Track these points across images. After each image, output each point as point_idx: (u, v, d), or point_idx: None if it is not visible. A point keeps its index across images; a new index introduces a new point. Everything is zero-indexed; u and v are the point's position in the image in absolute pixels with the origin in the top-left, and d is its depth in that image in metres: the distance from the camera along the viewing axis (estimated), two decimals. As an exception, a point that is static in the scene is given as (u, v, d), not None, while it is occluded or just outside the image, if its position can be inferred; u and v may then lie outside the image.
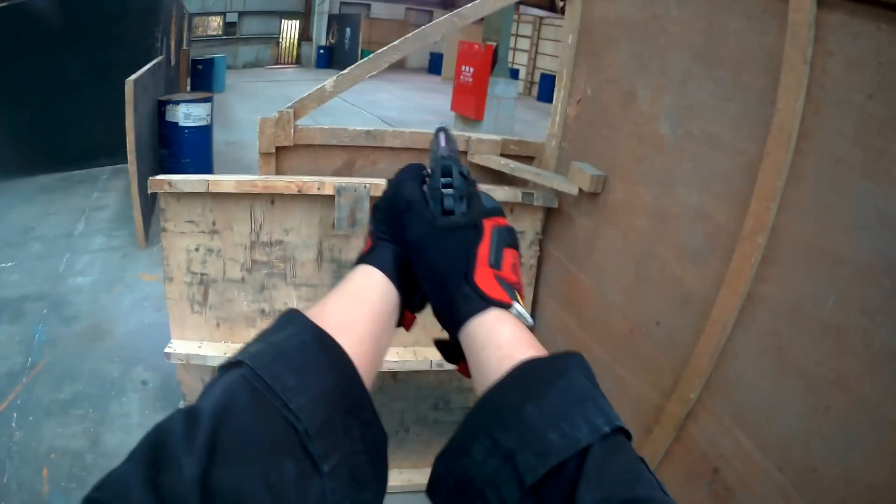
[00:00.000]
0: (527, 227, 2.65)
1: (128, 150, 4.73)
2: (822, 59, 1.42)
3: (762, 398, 1.59)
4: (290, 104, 2.54)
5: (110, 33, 7.78)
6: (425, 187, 0.74)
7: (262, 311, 2.60)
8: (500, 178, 2.77)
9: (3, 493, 2.86)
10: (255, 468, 0.43)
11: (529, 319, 0.65)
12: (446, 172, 0.73)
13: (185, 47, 14.18)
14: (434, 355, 2.56)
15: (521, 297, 0.68)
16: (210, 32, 24.88)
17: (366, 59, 2.43)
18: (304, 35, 27.14)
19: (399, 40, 2.47)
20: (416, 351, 2.65)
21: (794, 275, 1.51)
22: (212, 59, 16.19)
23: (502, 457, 0.47)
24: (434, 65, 26.92)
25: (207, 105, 7.28)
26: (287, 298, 2.59)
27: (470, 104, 12.71)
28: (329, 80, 2.52)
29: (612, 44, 2.25)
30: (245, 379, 0.48)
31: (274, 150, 2.57)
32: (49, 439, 3.16)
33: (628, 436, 0.50)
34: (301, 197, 2.40)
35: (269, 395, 0.47)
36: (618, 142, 2.20)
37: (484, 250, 0.67)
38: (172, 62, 10.61)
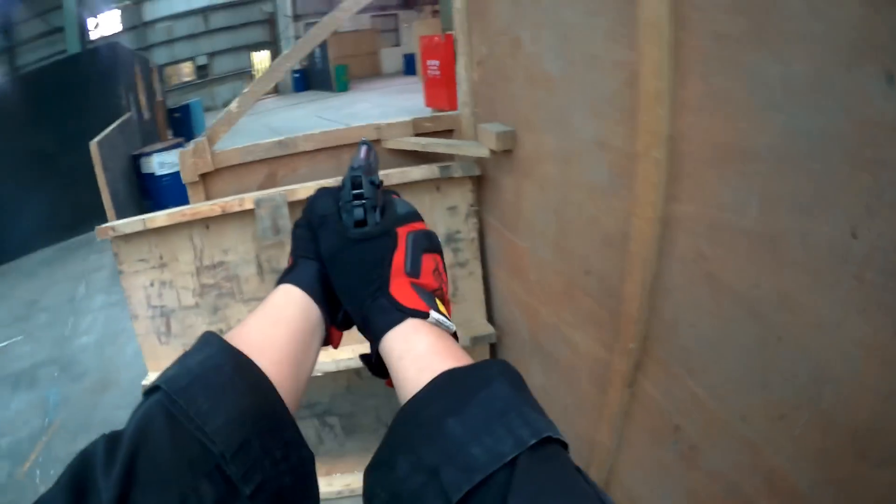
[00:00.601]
0: (458, 200, 2.49)
1: (105, 207, 4.80)
2: None
3: (706, 338, 1.30)
4: (202, 134, 2.48)
5: (74, 102, 7.78)
6: (339, 202, 0.70)
7: (220, 331, 2.56)
8: (419, 158, 2.58)
9: (29, 545, 2.94)
10: (171, 492, 0.42)
11: (450, 325, 0.62)
12: (356, 184, 0.69)
13: (159, 98, 14.21)
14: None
15: (446, 301, 0.67)
16: (184, 79, 24.98)
17: (263, 73, 2.42)
18: None
19: (289, 49, 2.44)
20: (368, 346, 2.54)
21: (704, 185, 1.23)
22: (187, 105, 15.93)
23: (427, 472, 0.44)
24: (408, 65, 25.84)
25: (179, 150, 7.32)
26: (240, 315, 2.46)
27: (442, 96, 12.30)
28: (234, 101, 2.44)
29: None
30: (161, 404, 0.47)
31: (198, 178, 2.50)
32: None
33: (564, 444, 0.47)
34: (230, 216, 2.30)
35: (183, 419, 0.45)
36: (515, 92, 1.97)
37: (399, 259, 0.65)
38: (146, 116, 10.72)
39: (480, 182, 2.47)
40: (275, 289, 0.69)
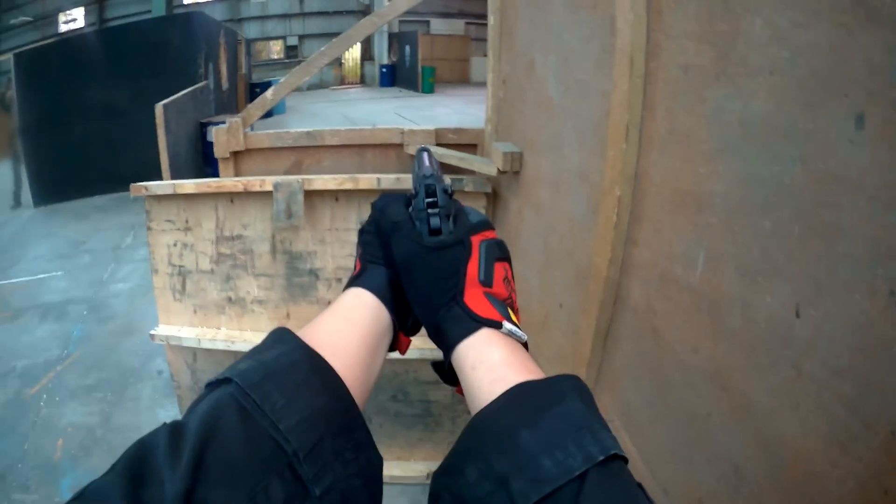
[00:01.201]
0: None
1: (162, 167, 5.05)
2: None
3: (644, 396, 1.25)
4: (238, 115, 2.60)
5: (153, 63, 8.09)
6: (410, 209, 0.69)
7: (229, 299, 2.59)
8: (441, 166, 2.71)
9: (21, 457, 3.08)
10: (241, 488, 0.41)
11: (522, 335, 0.61)
12: (430, 192, 0.68)
13: (242, 72, 14.67)
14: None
15: (515, 310, 0.66)
16: (272, 57, 25.66)
17: (299, 66, 2.50)
18: (367, 55, 26.70)
19: (325, 47, 2.54)
20: None
21: (660, 231, 1.17)
22: (269, 83, 15.82)
23: (496, 480, 0.45)
24: None
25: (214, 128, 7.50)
26: (249, 287, 2.56)
27: None
28: (269, 89, 2.53)
29: (519, 16, 2.02)
30: (233, 397, 0.45)
31: (230, 155, 2.62)
32: (69, 416, 3.38)
33: (625, 460, 0.47)
34: (254, 195, 2.40)
35: (257, 414, 0.44)
36: (526, 113, 1.95)
37: (473, 268, 0.63)
38: (225, 87, 11.08)
39: (496, 200, 2.46)
40: (344, 291, 0.68)
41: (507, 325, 0.60)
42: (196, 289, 2.62)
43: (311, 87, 25.51)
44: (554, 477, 0.43)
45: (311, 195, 2.34)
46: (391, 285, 0.68)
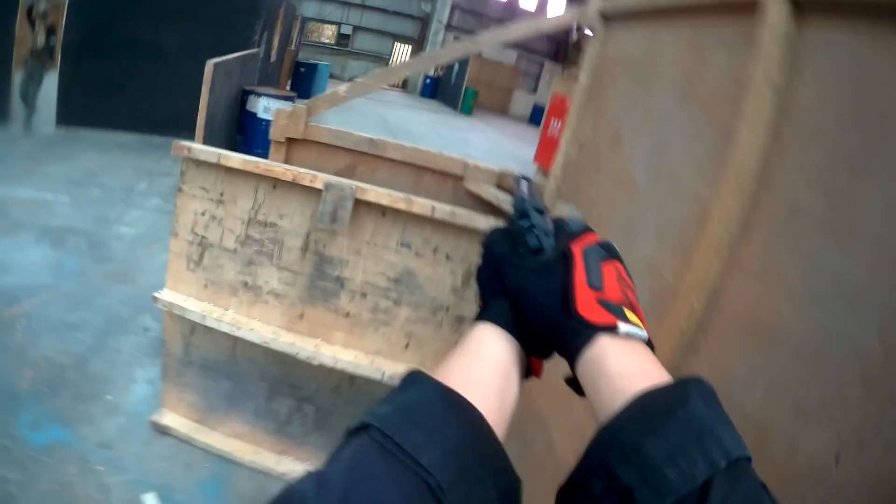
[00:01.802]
0: None
1: (197, 125, 4.96)
2: (794, 88, 1.12)
3: None
4: (306, 101, 2.59)
5: (210, 17, 8.11)
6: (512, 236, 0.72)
7: (245, 284, 2.56)
8: (491, 209, 2.59)
9: (-15, 381, 2.97)
10: None
11: (642, 334, 0.62)
12: (523, 214, 0.70)
13: (291, 48, 14.52)
14: (388, 367, 2.47)
15: (635, 307, 0.66)
16: (324, 40, 25.70)
17: (378, 72, 2.48)
18: None
19: (413, 58, 2.50)
20: (374, 360, 2.53)
21: (726, 348, 1.20)
22: (315, 65, 16.10)
23: (621, 493, 0.46)
24: (535, 115, 25.63)
25: (288, 103, 7.23)
26: (269, 277, 2.53)
27: (553, 157, 12.30)
28: (343, 85, 2.51)
29: (615, 84, 2.03)
30: (375, 441, 0.48)
31: (284, 140, 2.60)
32: (44, 349, 3.27)
33: (749, 459, 0.49)
34: (299, 187, 2.37)
35: (399, 453, 0.46)
36: (601, 185, 1.96)
37: (580, 275, 0.64)
38: (273, 59, 11.04)
39: None
40: (471, 329, 0.71)
41: (622, 326, 0.60)
42: (214, 264, 2.58)
43: (352, 77, 25.61)
44: (677, 487, 0.44)
45: (358, 204, 2.29)
46: (514, 313, 0.70)
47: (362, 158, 2.63)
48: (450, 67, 24.07)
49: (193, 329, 2.71)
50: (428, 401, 0.53)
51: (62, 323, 3.59)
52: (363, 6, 25.99)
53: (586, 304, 0.62)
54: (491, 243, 0.75)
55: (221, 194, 2.52)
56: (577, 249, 0.66)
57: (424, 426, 0.49)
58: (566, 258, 0.66)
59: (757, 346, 1.11)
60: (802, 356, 0.99)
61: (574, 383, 0.66)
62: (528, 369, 0.73)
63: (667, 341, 1.33)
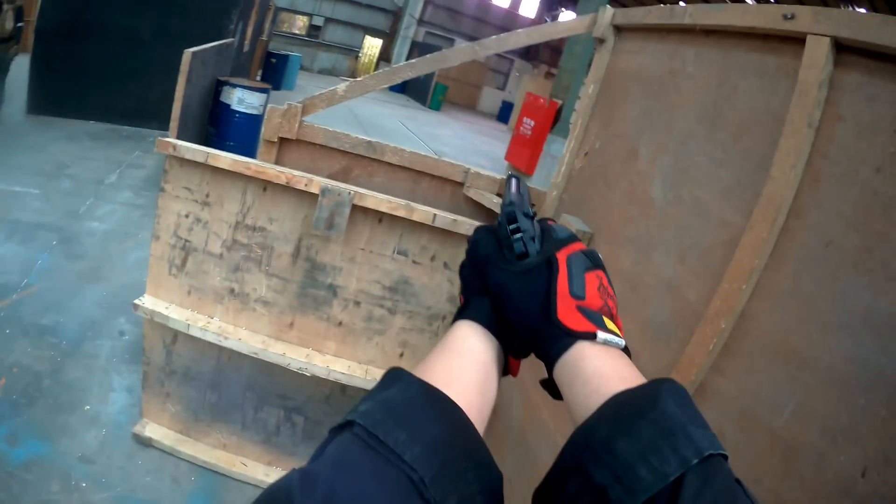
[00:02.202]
0: None
1: (172, 117, 4.80)
2: (830, 125, 1.18)
3: None
4: (300, 100, 2.47)
5: (186, 4, 7.84)
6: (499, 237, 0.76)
7: (232, 291, 2.49)
8: (491, 216, 2.56)
9: (-42, 388, 2.87)
10: None
11: (619, 342, 0.64)
12: (511, 219, 0.72)
13: (263, 38, 14.36)
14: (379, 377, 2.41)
15: (615, 316, 0.68)
16: (294, 31, 25.24)
17: (380, 71, 2.36)
18: (385, 55, 26.65)
19: (416, 59, 2.40)
20: (368, 370, 2.48)
21: (753, 372, 1.25)
22: (287, 56, 16.01)
23: (595, 493, 0.48)
24: (504, 112, 26.33)
25: (263, 96, 7.19)
26: (257, 284, 2.46)
27: (524, 157, 12.04)
28: (342, 84, 2.43)
29: (628, 97, 2.04)
30: (358, 437, 0.49)
31: (277, 140, 2.52)
32: (17, 355, 3.15)
33: (725, 457, 0.49)
34: (291, 190, 2.31)
35: (382, 449, 0.48)
36: (612, 199, 1.98)
37: (563, 283, 0.66)
38: (246, 48, 10.76)
39: None
40: (452, 326, 0.74)
41: (601, 334, 0.63)
42: (198, 269, 2.50)
43: (323, 71, 25.31)
44: (649, 485, 0.45)
45: (355, 209, 2.24)
46: (495, 313, 0.73)
47: (358, 161, 2.56)
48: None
49: (175, 337, 2.61)
50: (410, 398, 0.55)
51: (35, 326, 3.48)
52: (335, -2, 25.67)
53: (567, 312, 0.65)
54: (477, 242, 0.77)
55: (207, 196, 2.44)
56: (561, 257, 0.69)
57: (407, 422, 0.51)
58: (550, 265, 0.68)
59: (786, 370, 1.16)
60: (832, 383, 1.05)
61: (550, 386, 0.69)
62: (505, 368, 0.75)
63: (693, 361, 1.38)
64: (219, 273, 2.50)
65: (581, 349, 0.62)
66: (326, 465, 0.47)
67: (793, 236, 1.21)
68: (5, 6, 6.41)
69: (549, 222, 0.76)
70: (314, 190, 2.25)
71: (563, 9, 27.50)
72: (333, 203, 2.23)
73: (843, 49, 1.17)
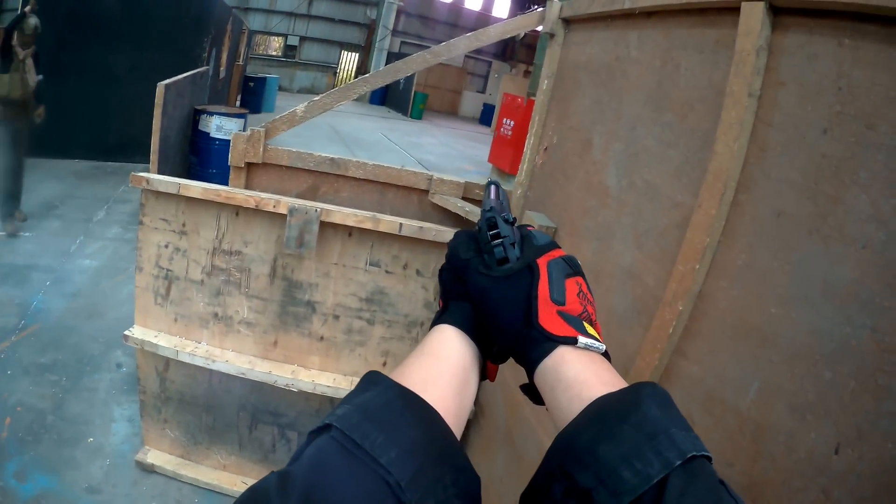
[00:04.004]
0: None
1: (151, 150, 4.77)
2: (771, 92, 1.10)
3: None
4: (262, 125, 2.44)
5: (159, 36, 7.82)
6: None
7: (216, 315, 2.45)
8: (459, 222, 2.52)
9: (-36, 431, 2.83)
10: None
11: (599, 347, 0.62)
12: (492, 225, 0.70)
13: (239, 63, 13.93)
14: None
15: (594, 322, 0.67)
16: (270, 52, 25.01)
17: (337, 89, 2.31)
18: (362, 69, 25.96)
19: (371, 74, 2.38)
20: (353, 381, 2.41)
21: (716, 352, 1.18)
22: (264, 79, 15.81)
23: (580, 496, 0.47)
24: (486, 115, 25.56)
25: (240, 121, 7.09)
26: (239, 307, 2.42)
27: (506, 157, 11.76)
28: (301, 105, 2.39)
29: (580, 89, 1.97)
30: (335, 440, 0.48)
31: (244, 165, 2.48)
32: (20, 394, 3.13)
33: (709, 458, 0.48)
34: (262, 213, 2.28)
35: (359, 452, 0.47)
36: (571, 192, 1.91)
37: (544, 289, 0.65)
38: (222, 75, 10.71)
39: None
40: (431, 330, 0.71)
41: (581, 339, 0.61)
42: (182, 297, 2.44)
43: (302, 90, 25.13)
44: (633, 487, 0.45)
45: (324, 226, 2.18)
46: (474, 318, 0.71)
47: (324, 179, 2.51)
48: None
49: (167, 365, 2.57)
50: (387, 401, 0.53)
51: (35, 365, 3.44)
52: (309, 16, 25.45)
53: (548, 317, 0.63)
54: (456, 247, 0.74)
55: (184, 225, 2.40)
56: (542, 263, 0.67)
57: (383, 426, 0.50)
58: (531, 271, 0.66)
59: (748, 348, 1.09)
60: (795, 357, 0.98)
61: (530, 391, 0.67)
62: (484, 373, 0.73)
63: (655, 346, 1.31)
64: (202, 299, 2.45)
65: (562, 354, 0.61)
66: (303, 468, 0.46)
67: (743, 210, 1.15)
68: (19, 52, 4.91)
69: (529, 228, 0.74)
70: (283, 210, 2.21)
71: (536, 7, 27.37)
72: (301, 221, 2.18)
73: (779, 11, 1.10)
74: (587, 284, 0.71)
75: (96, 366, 3.56)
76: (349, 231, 2.26)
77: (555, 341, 0.62)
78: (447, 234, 2.24)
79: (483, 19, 27.77)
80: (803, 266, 0.99)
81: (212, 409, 2.62)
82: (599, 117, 1.81)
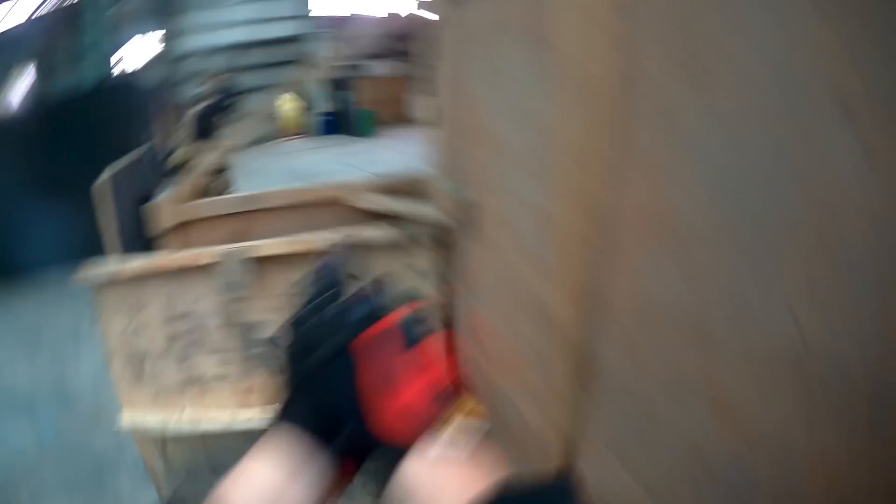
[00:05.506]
0: (426, 265, 2.27)
1: (105, 249, 4.76)
2: None
3: (636, 427, 1.11)
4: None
5: (103, 137, 7.40)
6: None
7: (189, 379, 2.39)
8: (384, 216, 2.44)
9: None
10: None
11: (457, 443, 0.54)
12: (298, 321, 0.66)
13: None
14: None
15: (455, 385, 0.59)
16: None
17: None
18: (311, 104, 26.86)
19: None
20: None
21: (634, 262, 1.04)
22: None
23: None
24: None
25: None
26: (206, 365, 2.35)
27: None
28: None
29: (460, 54, 1.88)
30: None
31: (177, 227, 2.48)
32: None
33: None
34: (197, 268, 2.20)
35: None
36: (470, 153, 1.83)
37: (367, 378, 0.56)
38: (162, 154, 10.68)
39: (450, 247, 2.25)
40: (268, 433, 0.65)
41: (432, 446, 0.52)
42: (154, 372, 2.37)
43: (252, 142, 24.75)
44: None
45: (262, 262, 2.13)
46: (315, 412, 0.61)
47: (251, 217, 2.45)
48: (342, 99, 23.19)
49: (164, 444, 2.53)
50: None
51: (63, 484, 3.50)
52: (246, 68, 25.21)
53: (385, 413, 0.54)
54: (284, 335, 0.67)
55: (134, 303, 2.34)
56: (359, 346, 0.57)
57: None
58: (341, 359, 0.57)
59: (667, 248, 0.94)
60: (702, 242, 0.84)
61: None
62: (340, 471, 0.61)
63: (574, 276, 1.21)
64: (173, 367, 2.36)
65: (410, 465, 0.53)
66: None
67: (626, 115, 1.00)
68: None
69: (361, 294, 0.63)
70: (212, 259, 2.15)
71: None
72: (230, 265, 2.13)
73: None
74: (444, 342, 0.61)
75: (115, 466, 3.58)
76: (280, 261, 2.22)
77: (397, 452, 0.54)
78: (373, 232, 2.20)
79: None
80: (694, 151, 0.88)
81: (218, 469, 2.57)
82: (477, 70, 1.73)
